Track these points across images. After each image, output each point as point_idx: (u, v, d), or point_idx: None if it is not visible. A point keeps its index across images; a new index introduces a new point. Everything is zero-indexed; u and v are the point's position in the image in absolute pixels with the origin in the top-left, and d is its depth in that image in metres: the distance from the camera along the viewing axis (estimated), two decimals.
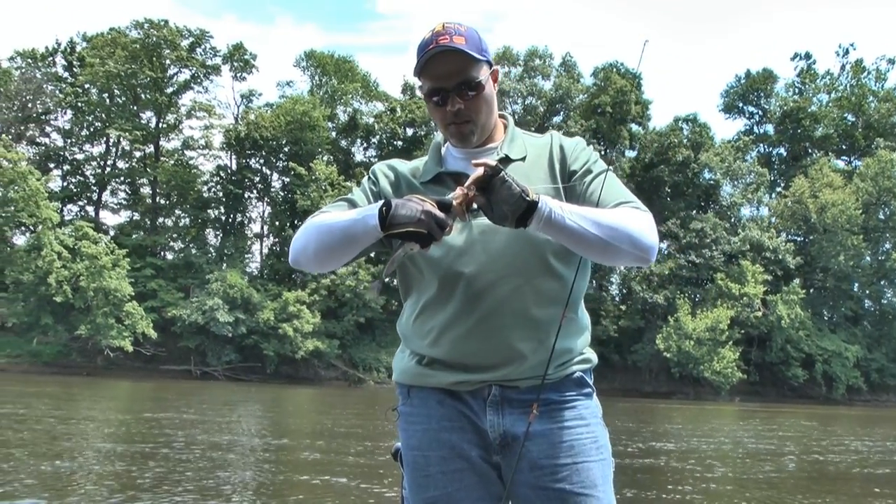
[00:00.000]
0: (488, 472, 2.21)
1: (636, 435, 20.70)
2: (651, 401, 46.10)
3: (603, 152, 58.82)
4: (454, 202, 1.90)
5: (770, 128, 67.40)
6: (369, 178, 2.35)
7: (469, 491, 2.19)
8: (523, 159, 2.26)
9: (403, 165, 2.37)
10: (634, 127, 61.39)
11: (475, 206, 1.95)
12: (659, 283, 54.91)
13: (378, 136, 59.55)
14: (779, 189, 63.82)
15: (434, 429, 2.22)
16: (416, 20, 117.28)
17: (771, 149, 67.42)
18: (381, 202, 1.99)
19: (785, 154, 67.18)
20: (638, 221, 2.06)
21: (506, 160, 2.23)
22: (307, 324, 48.21)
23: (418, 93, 2.36)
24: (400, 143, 59.56)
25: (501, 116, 2.38)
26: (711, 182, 59.96)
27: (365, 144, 60.82)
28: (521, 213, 1.92)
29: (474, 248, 2.15)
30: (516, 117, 60.09)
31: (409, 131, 60.08)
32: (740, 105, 68.10)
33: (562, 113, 60.78)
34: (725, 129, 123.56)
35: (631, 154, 61.45)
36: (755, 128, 68.43)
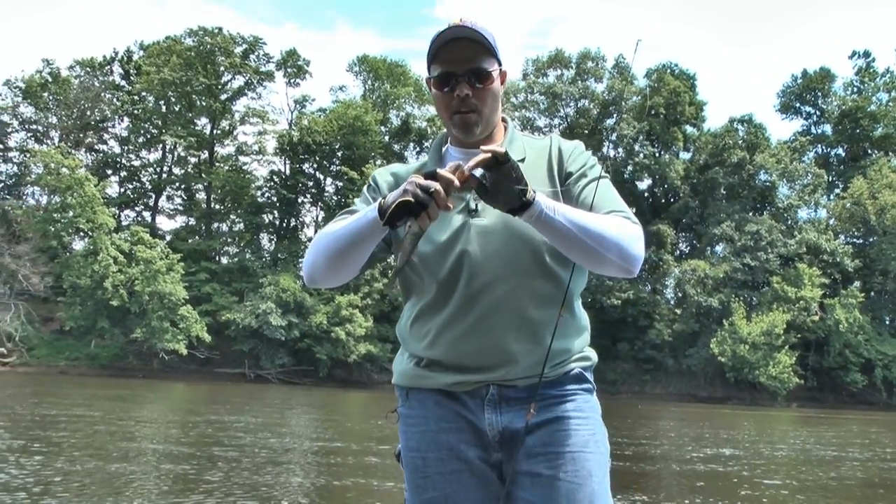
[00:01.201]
0: (487, 472, 2.21)
1: (695, 441, 20.45)
2: (706, 406, 45.48)
3: (657, 154, 58.35)
4: (438, 170, 1.89)
5: (828, 128, 66.09)
6: (369, 185, 2.37)
7: (468, 492, 2.19)
8: (522, 160, 2.23)
9: (403, 169, 2.39)
10: (689, 128, 60.75)
11: (472, 189, 1.95)
12: (714, 287, 54.18)
13: (430, 140, 59.65)
14: (837, 190, 62.53)
15: (432, 430, 2.23)
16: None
17: (829, 149, 66.12)
18: (378, 201, 2.02)
19: (843, 154, 65.83)
20: (627, 232, 2.07)
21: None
22: (360, 328, 48.49)
23: (425, 87, 2.36)
24: None
25: (502, 119, 2.38)
26: (767, 184, 59.04)
27: (417, 148, 61.02)
28: (515, 207, 1.94)
29: (471, 249, 2.16)
30: (569, 120, 59.97)
31: None
32: (797, 105, 66.86)
33: (615, 115, 60.33)
34: (782, 129, 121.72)
35: (685, 156, 60.81)
36: (812, 128, 67.15)
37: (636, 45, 2.35)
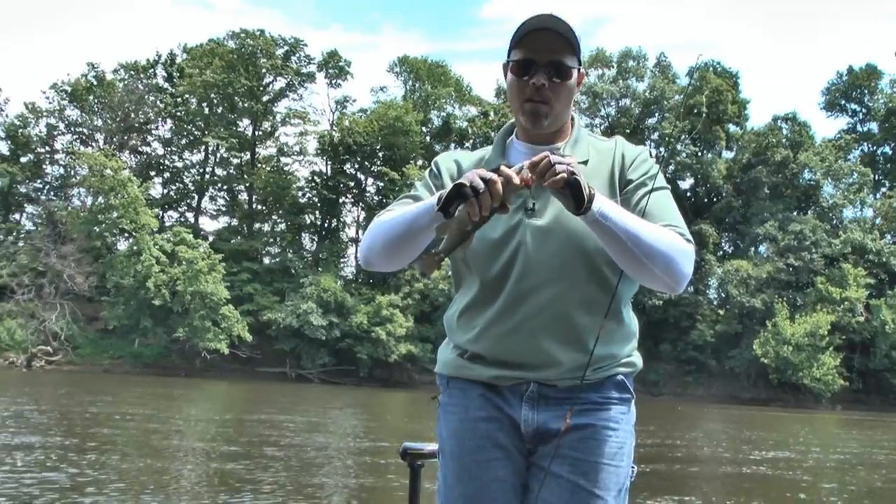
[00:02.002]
0: (521, 461, 2.22)
1: (739, 443, 20.24)
2: (750, 408, 45.00)
3: (698, 153, 57.81)
4: (502, 166, 1.88)
5: (874, 126, 65.01)
6: (431, 170, 2.36)
7: (503, 481, 2.19)
8: (585, 163, 2.21)
9: (466, 156, 2.37)
10: (732, 127, 60.15)
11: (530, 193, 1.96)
12: (756, 287, 53.57)
13: (471, 141, 59.65)
14: (883, 189, 61.50)
15: (470, 418, 2.23)
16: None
17: (875, 147, 65.01)
18: (438, 193, 2.00)
19: (890, 153, 64.66)
20: (678, 248, 2.04)
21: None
22: (400, 328, 48.57)
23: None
24: None
25: (570, 118, 2.34)
26: (811, 182, 58.31)
27: (458, 149, 61.06)
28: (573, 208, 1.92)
29: (524, 249, 2.15)
30: (610, 119, 59.62)
31: None
32: (842, 102, 65.80)
33: (657, 114, 59.86)
34: (827, 127, 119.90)
35: (728, 155, 60.20)
36: (858, 126, 66.06)
37: (697, 60, 2.52)
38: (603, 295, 2.16)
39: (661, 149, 59.25)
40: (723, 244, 59.97)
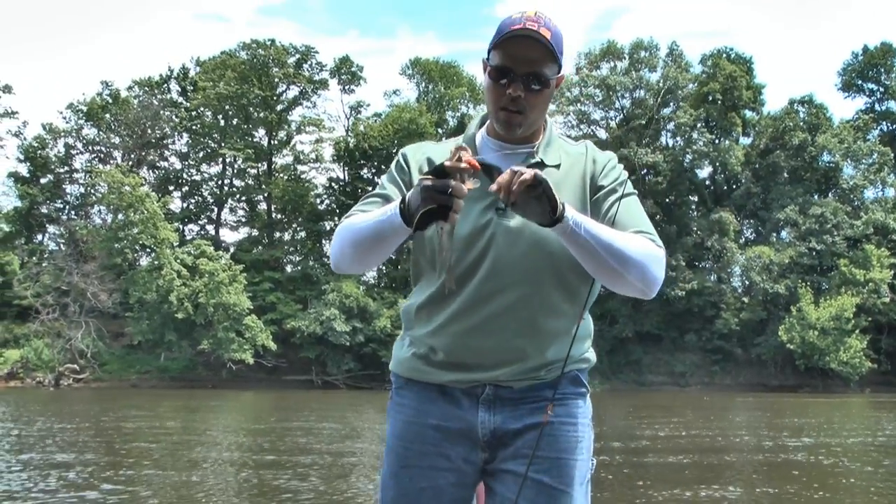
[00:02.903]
0: (467, 472, 2.23)
1: (773, 430, 20.13)
2: (778, 395, 44.68)
3: (715, 141, 57.51)
4: (445, 163, 1.87)
5: (893, 104, 64.33)
6: (398, 163, 2.34)
7: (441, 491, 2.21)
8: (557, 167, 2.25)
9: (435, 148, 2.36)
10: (748, 113, 59.79)
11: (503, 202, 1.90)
12: (780, 273, 53.22)
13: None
14: None
15: (420, 423, 2.24)
16: None
17: (894, 126, 64.44)
18: (398, 202, 1.99)
19: None
20: (651, 254, 2.06)
21: (540, 165, 2.22)
22: None
23: (480, 72, 2.30)
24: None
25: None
26: (831, 165, 57.84)
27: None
28: (544, 222, 1.93)
29: (493, 249, 2.15)
30: (625, 112, 59.43)
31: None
32: (859, 82, 65.04)
33: (671, 104, 59.58)
34: (844, 108, 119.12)
35: (745, 141, 59.82)
36: (876, 105, 65.37)
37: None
38: (566, 300, 2.20)
39: (678, 139, 59.01)
40: (744, 231, 59.59)
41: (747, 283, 55.59)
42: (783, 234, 57.22)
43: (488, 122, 2.32)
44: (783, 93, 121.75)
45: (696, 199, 60.09)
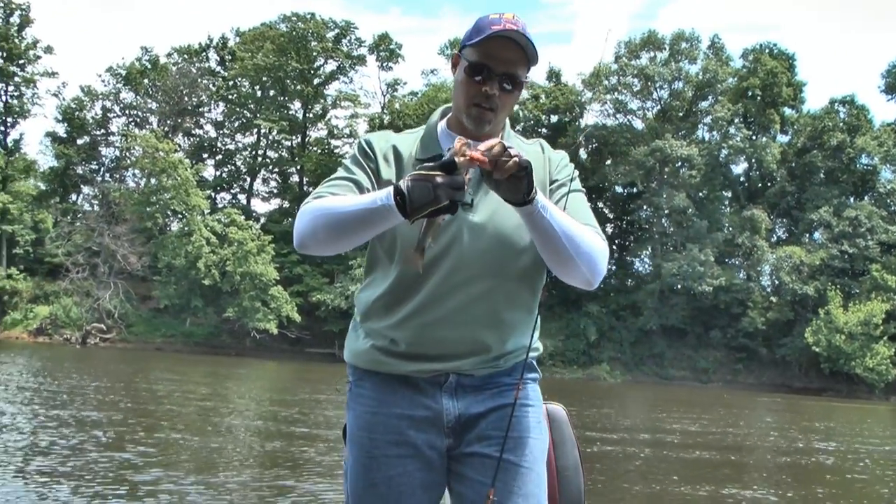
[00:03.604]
0: (433, 458, 2.25)
1: (793, 433, 20.02)
2: (801, 397, 44.42)
3: (752, 137, 56.96)
4: (456, 158, 1.87)
5: None
6: (362, 149, 2.32)
7: (411, 476, 2.22)
8: None
9: (398, 138, 2.36)
10: (787, 110, 59.12)
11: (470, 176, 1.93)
12: (809, 274, 52.75)
13: (522, 124, 59.43)
14: None
15: (384, 413, 2.25)
16: (579, 6, 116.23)
17: None
18: (390, 190, 1.95)
19: None
20: (599, 247, 2.15)
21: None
22: None
23: (448, 69, 2.31)
24: (544, 129, 59.26)
25: None
26: (868, 167, 57.14)
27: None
28: (516, 201, 1.96)
29: (458, 243, 2.17)
30: (662, 103, 58.99)
31: (553, 118, 59.65)
32: None
33: (710, 97, 59.03)
34: (886, 111, 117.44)
35: (783, 139, 59.18)
36: None
37: (606, 36, 2.44)
38: (526, 292, 2.27)
39: (715, 133, 58.52)
40: (776, 230, 59.05)
41: (776, 282, 55.15)
42: (816, 235, 56.65)
43: (449, 115, 2.35)
44: (825, 92, 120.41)
45: (729, 194, 59.60)
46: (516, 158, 1.87)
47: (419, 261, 2.02)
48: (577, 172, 2.34)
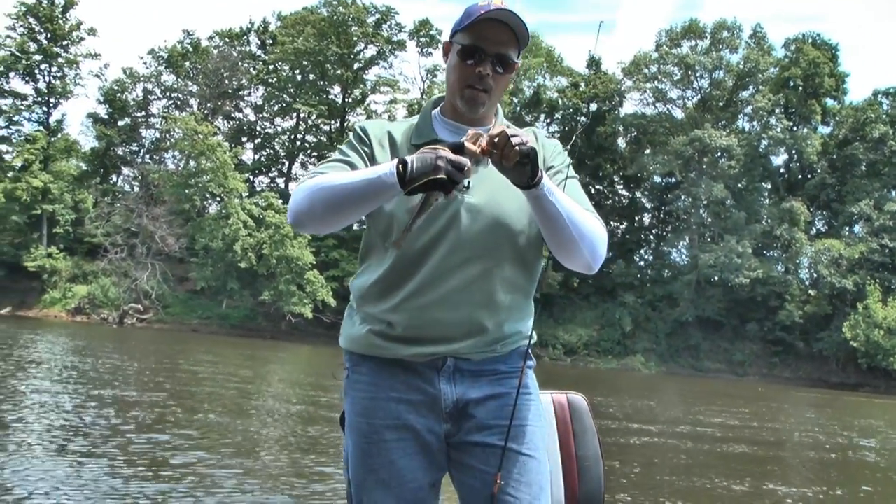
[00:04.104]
0: (433, 442, 2.25)
1: (832, 428, 19.83)
2: (838, 392, 43.94)
3: (793, 128, 56.27)
4: (465, 142, 1.94)
5: None
6: (359, 136, 2.35)
7: (411, 460, 2.23)
8: None
9: (396, 128, 2.38)
10: (829, 101, 58.30)
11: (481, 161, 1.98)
12: (848, 268, 52.11)
13: (561, 112, 59.13)
14: None
15: (382, 398, 2.25)
16: None
17: None
18: (395, 161, 2.00)
19: None
20: (599, 232, 2.20)
21: None
22: None
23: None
24: (583, 118, 58.96)
25: None
26: None
27: (548, 119, 60.51)
28: (522, 184, 2.03)
29: (456, 224, 2.20)
30: (703, 92, 58.47)
31: (593, 106, 59.28)
32: None
33: (751, 87, 58.36)
34: None
35: (824, 130, 58.37)
36: None
37: (598, 29, 2.48)
38: (522, 276, 2.29)
39: (755, 123, 57.88)
40: (815, 222, 58.37)
41: (814, 275, 54.61)
42: (856, 228, 55.92)
43: (443, 103, 2.40)
44: (868, 83, 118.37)
45: (768, 186, 58.93)
46: (518, 148, 1.92)
47: (401, 240, 2.07)
48: (569, 159, 2.38)
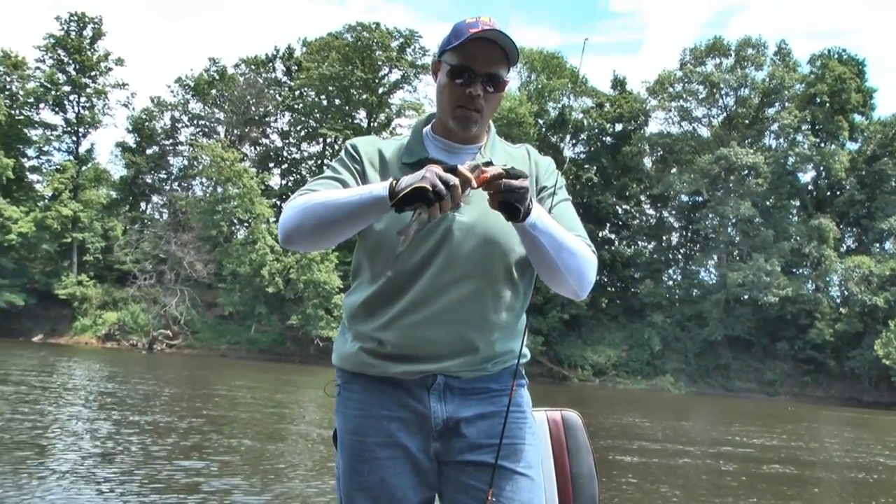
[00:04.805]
0: (423, 461, 2.24)
1: (867, 448, 19.57)
2: (871, 411, 43.32)
3: (820, 144, 55.91)
4: (460, 167, 1.92)
5: None
6: (350, 154, 2.34)
7: (401, 478, 2.21)
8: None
9: (387, 146, 2.37)
10: (856, 117, 57.88)
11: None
12: (879, 285, 51.53)
13: (586, 132, 59.09)
14: None
15: (373, 416, 2.25)
16: (651, 16, 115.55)
17: None
18: (390, 179, 2.01)
19: None
20: (588, 259, 2.20)
21: (489, 165, 2.28)
22: None
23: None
24: (608, 138, 58.89)
25: None
26: None
27: (574, 140, 60.53)
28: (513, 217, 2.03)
29: (448, 243, 2.19)
30: (728, 110, 58.25)
31: (619, 126, 59.19)
32: None
33: (776, 104, 58.09)
34: None
35: (852, 146, 57.91)
36: None
37: (583, 45, 2.45)
38: (512, 295, 2.28)
39: (781, 140, 57.56)
40: (845, 239, 57.85)
41: (845, 293, 54.03)
42: (886, 244, 55.42)
43: (434, 121, 2.40)
44: None
45: (796, 203, 58.48)
46: (505, 195, 1.96)
47: (392, 266, 2.07)
48: (562, 179, 2.37)
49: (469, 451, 2.22)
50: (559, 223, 2.18)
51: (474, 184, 1.93)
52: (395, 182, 1.98)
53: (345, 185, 2.22)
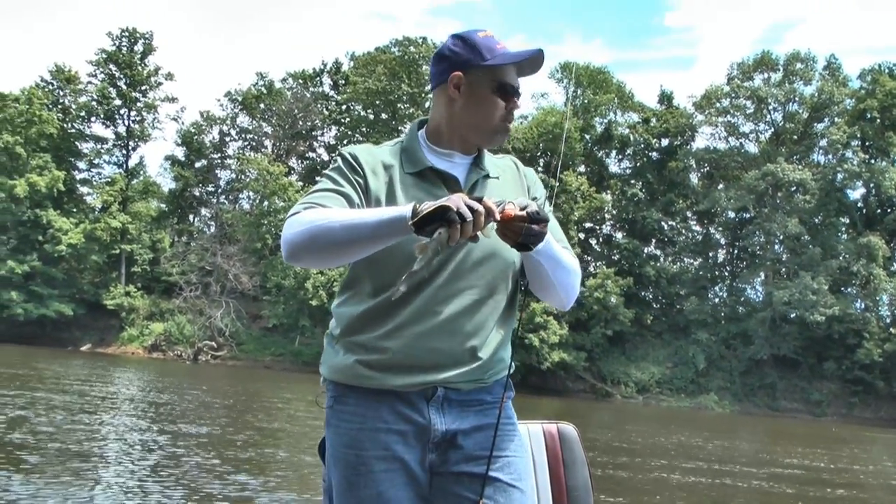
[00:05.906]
0: (420, 475, 2.23)
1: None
2: None
3: (870, 160, 55.10)
4: (485, 199, 1.92)
5: None
6: (349, 164, 2.28)
7: (399, 491, 2.19)
8: (497, 178, 2.39)
9: (380, 151, 2.35)
10: None
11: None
12: None
13: (632, 147, 58.82)
14: None
15: (370, 429, 2.21)
16: (705, 31, 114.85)
17: None
18: (412, 204, 1.96)
19: None
20: (578, 274, 2.31)
21: (485, 177, 2.37)
22: (554, 335, 48.15)
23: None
24: (654, 153, 58.56)
25: None
26: None
27: (620, 155, 60.26)
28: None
29: (455, 253, 2.21)
30: (776, 126, 57.65)
31: (665, 142, 58.84)
32: None
33: (825, 119, 57.37)
34: None
35: None
36: None
37: (566, 106, 2.47)
38: (507, 303, 2.33)
39: (830, 156, 56.80)
40: (895, 258, 56.87)
41: (894, 313, 53.10)
42: None
43: (427, 127, 2.38)
44: None
45: (845, 220, 57.60)
46: (523, 240, 2.02)
47: (404, 284, 1.94)
48: (546, 191, 2.46)
49: (465, 463, 2.23)
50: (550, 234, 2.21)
51: (497, 216, 1.94)
52: (417, 204, 1.94)
53: (348, 199, 2.18)
